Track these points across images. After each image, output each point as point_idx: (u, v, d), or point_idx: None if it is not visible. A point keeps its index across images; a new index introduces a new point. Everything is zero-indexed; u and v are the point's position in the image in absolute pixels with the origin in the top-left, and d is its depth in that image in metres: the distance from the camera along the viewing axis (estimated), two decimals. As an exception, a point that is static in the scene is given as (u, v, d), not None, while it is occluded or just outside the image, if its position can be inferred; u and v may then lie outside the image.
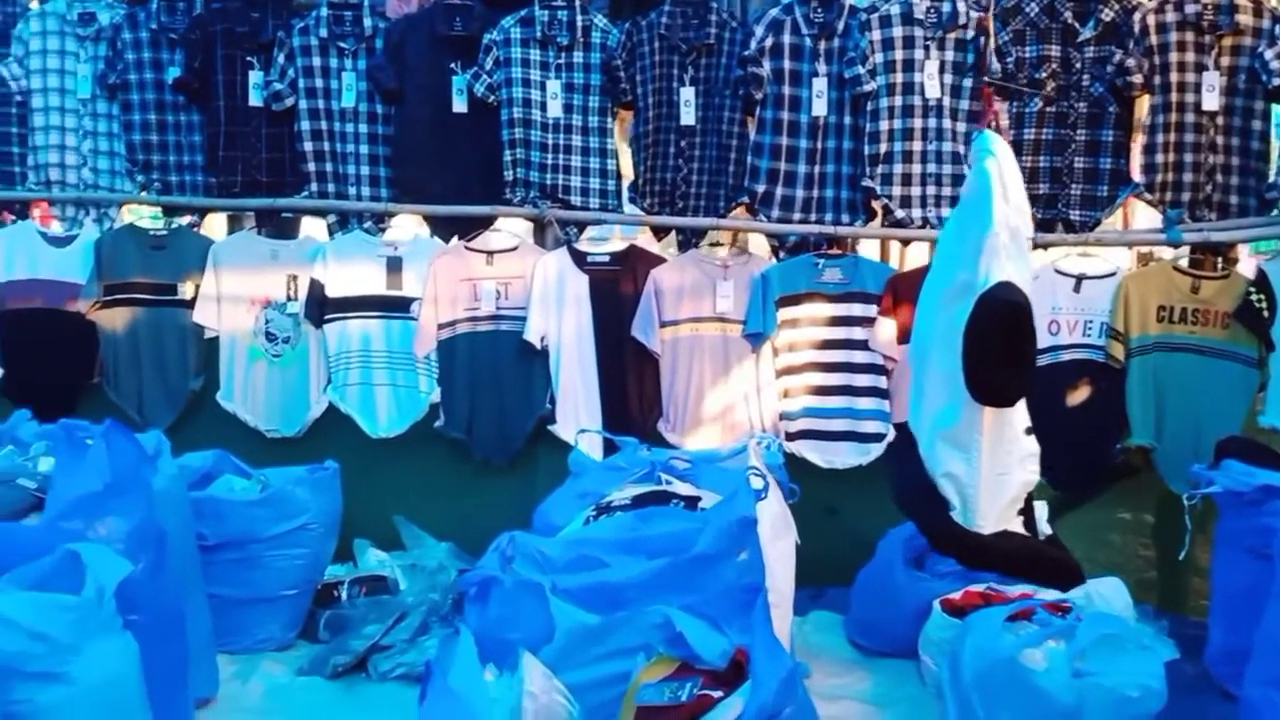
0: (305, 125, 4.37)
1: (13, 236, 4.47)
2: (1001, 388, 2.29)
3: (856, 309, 4.18)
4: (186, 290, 4.41)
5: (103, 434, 2.80)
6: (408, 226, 4.85)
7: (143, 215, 4.69)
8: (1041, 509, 2.75)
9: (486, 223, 4.43)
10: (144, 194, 4.52)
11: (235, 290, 4.39)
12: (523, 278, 4.32)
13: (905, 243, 4.51)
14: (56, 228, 4.60)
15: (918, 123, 4.14)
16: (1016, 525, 2.49)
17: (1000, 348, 2.27)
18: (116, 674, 2.43)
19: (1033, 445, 2.38)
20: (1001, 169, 2.43)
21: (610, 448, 3.89)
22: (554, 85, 4.29)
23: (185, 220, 4.56)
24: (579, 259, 4.32)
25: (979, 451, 2.19)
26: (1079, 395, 4.13)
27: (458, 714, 1.98)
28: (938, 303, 2.11)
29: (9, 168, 4.56)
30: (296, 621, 3.85)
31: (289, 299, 4.38)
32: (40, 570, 2.48)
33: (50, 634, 2.32)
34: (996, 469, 2.26)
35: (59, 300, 4.42)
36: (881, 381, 4.18)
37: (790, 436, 4.19)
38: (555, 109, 4.30)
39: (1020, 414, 2.35)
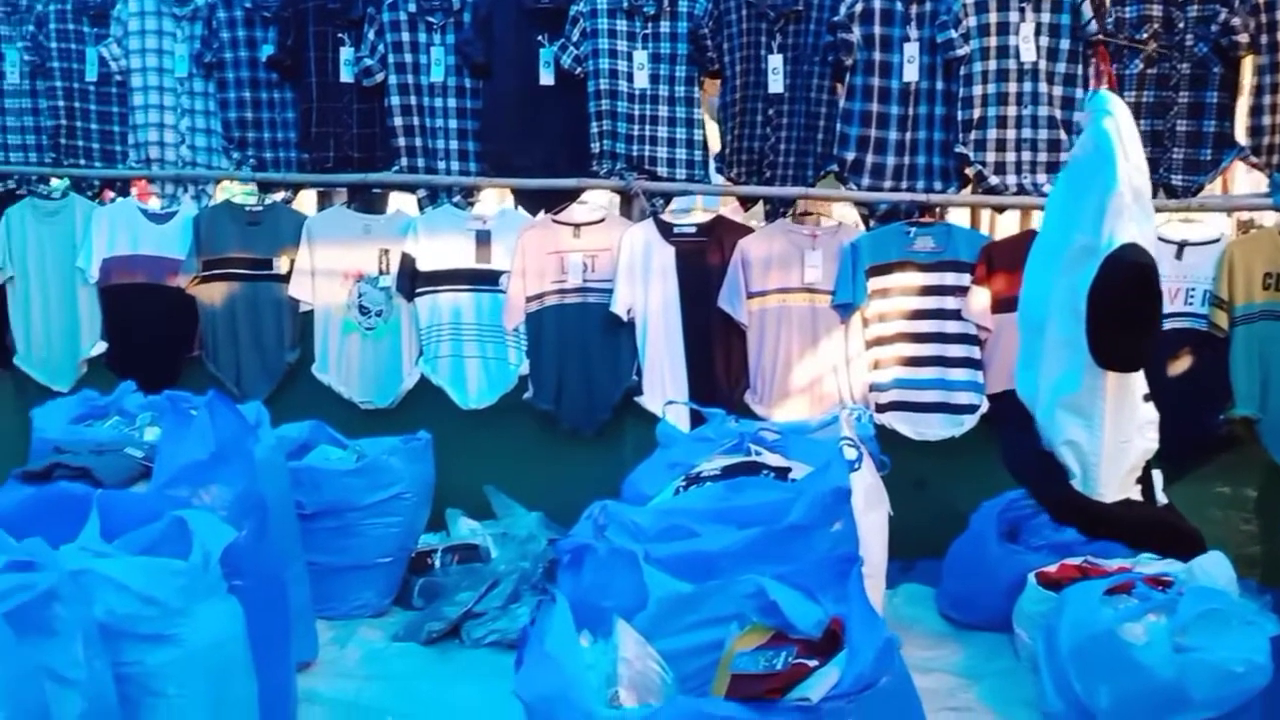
0: (395, 100, 4.41)
1: (116, 214, 4.59)
2: (1127, 352, 2.23)
3: (949, 278, 4.11)
4: (282, 265, 4.49)
5: (206, 405, 2.87)
6: (496, 200, 4.89)
7: (238, 192, 4.79)
8: (1159, 477, 2.69)
9: (573, 195, 4.44)
10: (239, 171, 4.60)
11: (329, 265, 4.46)
12: (609, 250, 4.33)
13: (999, 210, 4.42)
14: (154, 204, 4.72)
15: (1012, 87, 4.04)
16: (1136, 494, 2.43)
17: (1126, 311, 2.21)
18: (223, 636, 2.50)
19: (1152, 412, 2.32)
20: (1120, 128, 2.36)
21: (696, 419, 3.89)
22: (640, 55, 4.27)
23: (279, 196, 4.65)
24: (665, 230, 4.31)
25: (1101, 418, 2.13)
26: (1180, 365, 4.02)
27: (555, 678, 2.00)
28: (1054, 268, 2.05)
29: (111, 146, 4.68)
30: (392, 588, 3.93)
31: (381, 273, 4.45)
32: (149, 536, 2.55)
33: (160, 598, 2.38)
34: (1119, 436, 2.21)
35: (160, 275, 4.53)
36: (975, 352, 4.11)
37: (880, 408, 4.15)
38: (642, 79, 4.29)
39: (1140, 380, 2.29)
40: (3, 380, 4.75)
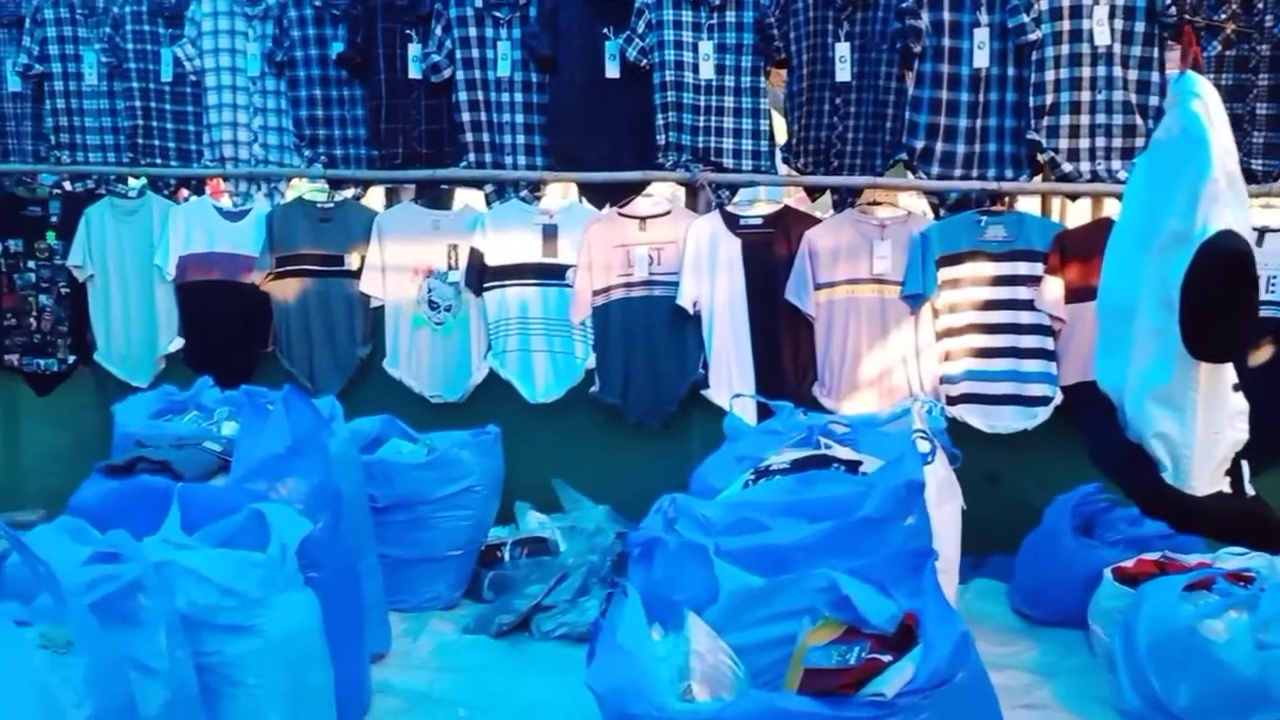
0: (462, 96, 4.44)
1: (191, 212, 4.67)
2: (1222, 342, 2.17)
3: (1022, 267, 4.04)
4: (353, 261, 4.54)
5: (282, 399, 2.92)
6: (560, 194, 4.90)
7: (309, 189, 4.85)
8: (1246, 469, 2.62)
9: (639, 188, 4.44)
10: (310, 168, 4.66)
11: (399, 260, 4.51)
12: (675, 243, 4.32)
13: (1071, 198, 4.34)
14: (226, 202, 4.80)
15: (1086, 71, 3.96)
16: (1225, 486, 2.37)
17: (1222, 300, 2.15)
18: (300, 627, 2.55)
19: (1241, 402, 2.26)
20: (1210, 111, 2.30)
21: (763, 412, 3.87)
22: (706, 46, 4.26)
23: (349, 193, 4.70)
24: (731, 222, 4.29)
25: (1193, 410, 2.08)
26: (1261, 355, 3.91)
27: (628, 671, 2.01)
28: (1140, 255, 2.00)
29: (186, 146, 4.76)
30: (462, 581, 3.97)
31: (450, 268, 4.48)
32: (228, 529, 2.61)
33: (239, 589, 2.44)
34: (1211, 428, 2.15)
35: (234, 272, 4.61)
36: (1048, 343, 4.04)
37: (951, 400, 4.09)
38: (707, 70, 4.27)
39: (1230, 370, 2.23)
40: (84, 376, 4.86)
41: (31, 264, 4.79)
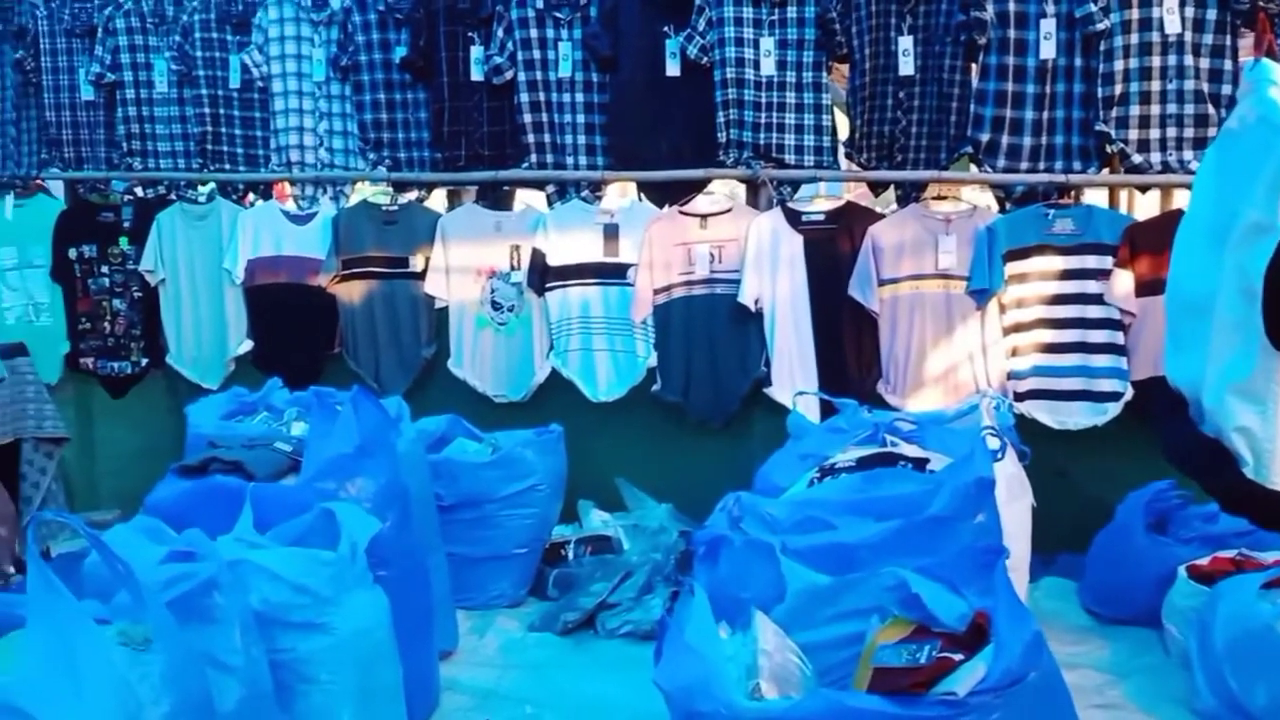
0: (524, 97, 4.46)
1: (259, 216, 4.74)
2: (1308, 333, 2.11)
3: (1090, 261, 3.98)
4: (417, 263, 4.58)
5: (351, 400, 2.95)
6: (619, 193, 4.91)
7: (373, 191, 4.91)
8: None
9: (700, 186, 4.43)
10: (375, 171, 4.71)
11: (462, 261, 4.54)
12: (736, 240, 4.31)
13: (1142, 189, 4.26)
14: (292, 206, 4.87)
15: (1156, 61, 3.89)
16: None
17: (1308, 291, 2.10)
18: (370, 625, 2.57)
19: (1324, 395, 2.19)
20: None
21: (827, 410, 3.85)
22: (767, 43, 4.24)
23: (413, 195, 4.75)
24: (793, 218, 4.27)
25: (1276, 403, 2.02)
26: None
27: (696, 669, 2.00)
28: (1215, 247, 1.95)
29: (254, 151, 4.84)
30: (527, 579, 3.99)
31: (513, 268, 4.51)
32: (299, 528, 2.64)
33: (311, 587, 2.46)
34: (1293, 421, 2.09)
35: (302, 275, 4.67)
36: (1118, 337, 3.97)
37: (1019, 396, 4.04)
38: (768, 67, 4.25)
39: (1313, 362, 2.16)
40: (156, 379, 4.95)
41: (105, 269, 4.89)
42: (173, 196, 4.89)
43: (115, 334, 4.91)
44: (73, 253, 4.89)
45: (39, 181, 5.16)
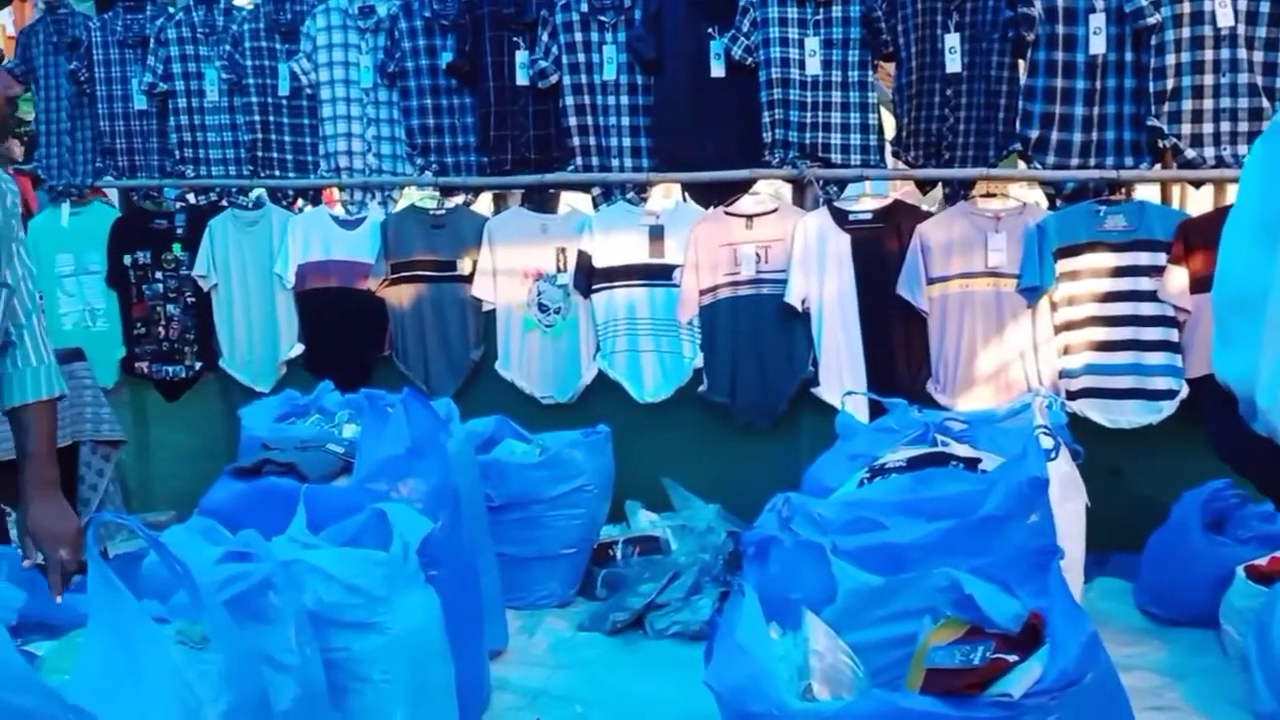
0: (569, 100, 4.48)
1: (309, 221, 4.79)
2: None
3: (1143, 258, 3.93)
4: (465, 266, 4.61)
5: (402, 401, 2.97)
6: (662, 194, 4.91)
7: (420, 196, 4.94)
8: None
9: (745, 186, 4.42)
10: (422, 176, 4.74)
11: (509, 264, 4.57)
12: (782, 240, 4.30)
13: (1195, 185, 4.20)
14: (340, 211, 4.91)
15: (1209, 54, 3.83)
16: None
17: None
18: (422, 625, 2.59)
19: (1382, 394, 2.15)
20: None
21: (876, 410, 3.82)
22: (812, 42, 4.23)
23: (460, 199, 4.78)
24: (840, 218, 4.25)
25: (1332, 403, 1.99)
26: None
27: (747, 669, 2.00)
28: (1266, 242, 1.92)
29: (303, 157, 4.88)
30: (575, 579, 4.00)
31: (559, 270, 4.53)
32: (352, 528, 2.66)
33: (364, 587, 2.48)
34: (1352, 420, 2.05)
35: (351, 279, 4.71)
36: (1172, 335, 3.92)
37: (1071, 395, 4.00)
38: (814, 66, 4.24)
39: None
40: (210, 382, 5.02)
41: (159, 275, 4.97)
42: (224, 203, 4.96)
43: (169, 338, 4.98)
44: (128, 259, 4.97)
45: (96, 190, 5.25)
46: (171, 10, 5.02)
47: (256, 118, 4.87)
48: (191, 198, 5.05)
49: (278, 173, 4.91)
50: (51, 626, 2.03)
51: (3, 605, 1.86)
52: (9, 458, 2.19)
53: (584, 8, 4.41)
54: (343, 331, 4.74)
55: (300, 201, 4.99)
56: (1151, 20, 3.84)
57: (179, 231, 4.94)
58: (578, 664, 3.51)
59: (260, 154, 4.89)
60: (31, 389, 2.17)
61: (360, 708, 2.48)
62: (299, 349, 4.79)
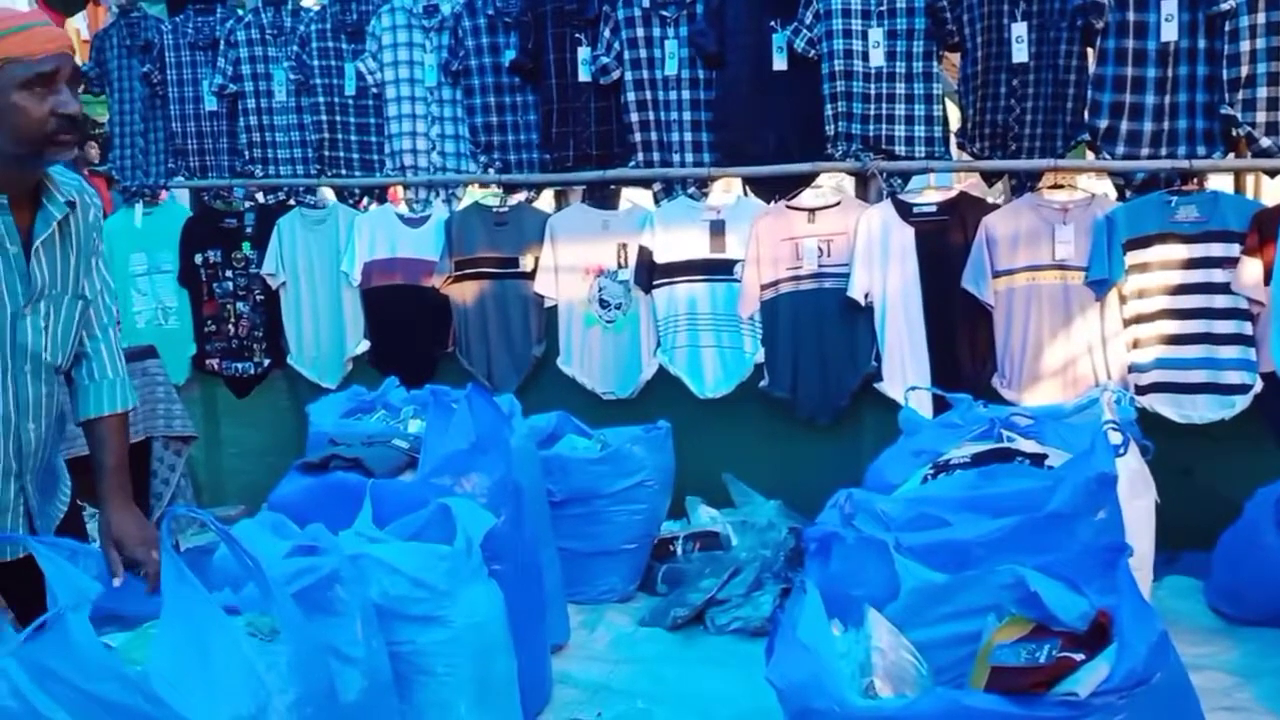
0: (631, 96, 4.48)
1: (374, 220, 4.85)
2: None
3: (1216, 249, 3.84)
4: (527, 263, 4.65)
5: (466, 397, 3.01)
6: (723, 188, 4.90)
7: (483, 193, 4.99)
8: None
9: (807, 180, 4.40)
10: (486, 174, 4.78)
11: (571, 261, 4.59)
12: (845, 234, 4.27)
13: (1271, 174, 4.09)
14: (404, 209, 4.97)
15: (1286, 40, 3.73)
16: None
17: None
18: (486, 618, 2.62)
19: None
20: None
21: (940, 405, 3.79)
22: (875, 34, 4.19)
23: (523, 196, 4.81)
24: (904, 210, 4.21)
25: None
26: None
27: (809, 666, 2.00)
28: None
29: (369, 156, 4.95)
30: (636, 574, 4.02)
31: (620, 266, 4.54)
32: (417, 523, 2.71)
33: (429, 580, 2.52)
34: None
35: (416, 276, 4.76)
36: (1246, 328, 3.82)
37: (1141, 390, 3.92)
38: (877, 58, 4.20)
39: None
40: (278, 379, 5.11)
41: (229, 273, 5.07)
42: (292, 202, 5.04)
43: (239, 336, 5.08)
44: (199, 258, 5.08)
45: (168, 190, 5.37)
46: (240, 12, 5.12)
47: (323, 117, 4.94)
48: (260, 197, 5.15)
49: (344, 171, 4.98)
50: (123, 618, 2.08)
51: (80, 598, 1.90)
52: (84, 453, 2.24)
53: (646, 3, 4.40)
54: (407, 328, 4.79)
55: (366, 200, 5.06)
56: (1226, 6, 3.74)
57: (248, 230, 5.04)
58: (639, 659, 3.52)
59: (327, 153, 4.96)
60: (108, 402, 2.22)
61: (424, 700, 2.51)
62: (365, 346, 4.86)
